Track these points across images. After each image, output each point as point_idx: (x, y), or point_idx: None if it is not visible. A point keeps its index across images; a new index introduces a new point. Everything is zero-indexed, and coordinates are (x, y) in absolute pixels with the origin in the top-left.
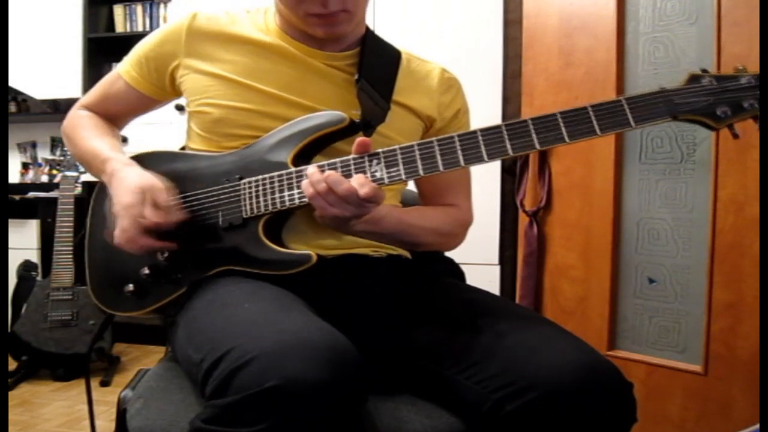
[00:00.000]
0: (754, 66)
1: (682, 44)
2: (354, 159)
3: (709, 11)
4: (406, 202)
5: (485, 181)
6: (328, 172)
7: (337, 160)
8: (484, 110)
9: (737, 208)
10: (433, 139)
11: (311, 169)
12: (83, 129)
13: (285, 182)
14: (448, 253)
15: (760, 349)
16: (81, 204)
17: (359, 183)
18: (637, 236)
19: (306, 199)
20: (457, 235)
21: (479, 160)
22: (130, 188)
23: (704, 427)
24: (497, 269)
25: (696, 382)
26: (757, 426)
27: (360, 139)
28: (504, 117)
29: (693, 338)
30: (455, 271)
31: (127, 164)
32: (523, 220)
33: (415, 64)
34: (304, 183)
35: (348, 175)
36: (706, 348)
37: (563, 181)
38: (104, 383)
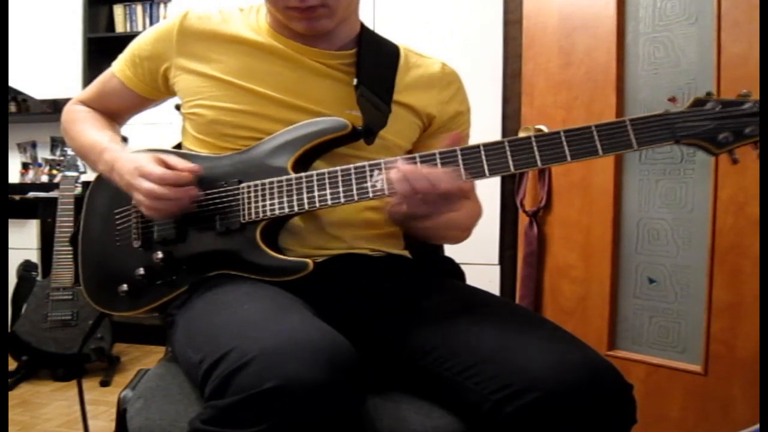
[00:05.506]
0: (754, 66)
1: (682, 44)
2: (355, 168)
3: (709, 11)
4: None
5: (485, 181)
6: (425, 169)
7: (338, 168)
8: (484, 110)
9: (737, 208)
10: (436, 151)
11: (403, 165)
12: (81, 122)
13: (285, 188)
14: (447, 253)
15: (760, 349)
16: (81, 204)
17: (450, 178)
18: (637, 236)
19: (305, 206)
20: (473, 227)
21: (481, 175)
22: (142, 157)
23: (704, 427)
24: (497, 269)
25: (696, 382)
26: (757, 426)
27: (453, 134)
28: (504, 117)
29: (693, 338)
30: (455, 270)
31: (124, 151)
32: (523, 220)
33: (413, 59)
34: (396, 175)
35: (349, 184)
36: (706, 348)
37: (563, 181)
38: (104, 383)
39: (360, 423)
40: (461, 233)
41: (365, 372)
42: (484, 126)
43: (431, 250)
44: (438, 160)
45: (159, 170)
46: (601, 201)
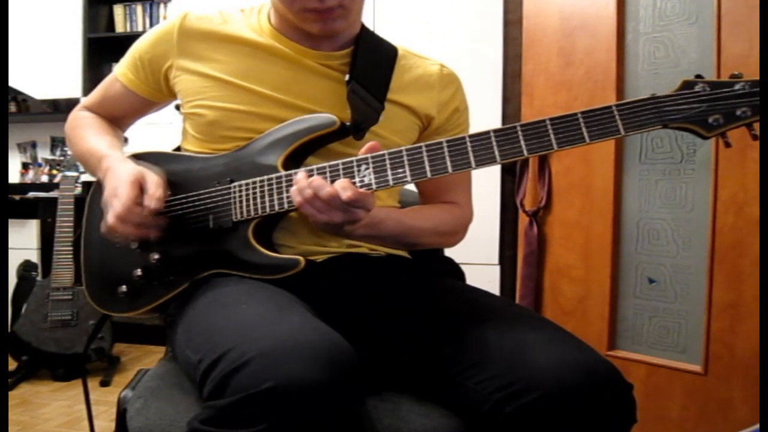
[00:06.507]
0: (754, 66)
1: (682, 44)
2: (343, 164)
3: (709, 11)
4: (407, 202)
5: (485, 181)
6: (312, 178)
7: (326, 164)
8: (484, 110)
9: (737, 208)
10: (422, 144)
11: (298, 175)
12: (83, 128)
13: (275, 186)
14: (447, 253)
15: (760, 349)
16: (81, 204)
17: (342, 187)
18: (637, 236)
19: (295, 203)
20: (457, 233)
21: (467, 166)
22: (123, 177)
23: (704, 427)
24: (497, 269)
25: (696, 382)
26: (757, 426)
27: (370, 144)
28: (504, 117)
29: (693, 338)
30: (455, 270)
31: (124, 161)
32: (523, 220)
33: (412, 60)
34: (293, 190)
35: (337, 179)
36: (706, 348)
37: (563, 181)
38: (104, 383)
39: (360, 423)
40: (440, 238)
41: (365, 372)
42: (484, 126)
43: (431, 250)
44: (424, 153)
45: (130, 198)
46: (601, 201)
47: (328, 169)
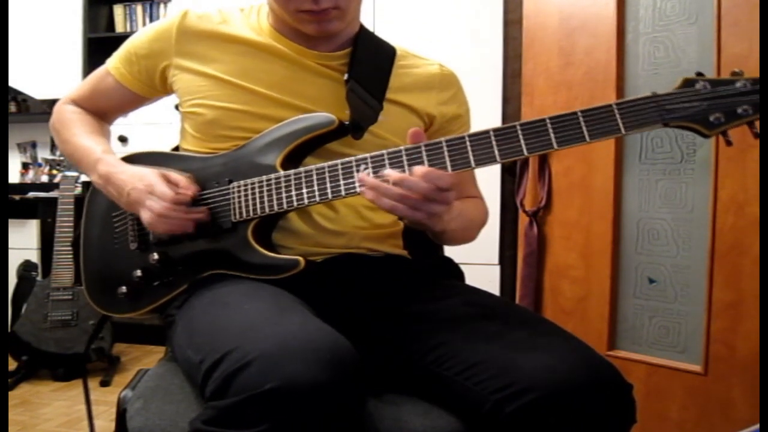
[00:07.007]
0: (754, 66)
1: (682, 44)
2: (342, 164)
3: (709, 11)
4: None
5: (485, 181)
6: (391, 174)
7: (325, 165)
8: (484, 110)
9: (737, 208)
10: (421, 144)
11: (364, 175)
12: (74, 126)
13: (273, 186)
14: (447, 253)
15: (760, 349)
16: (81, 204)
17: (436, 176)
18: (637, 236)
19: (294, 204)
20: (484, 225)
21: (466, 165)
22: (142, 174)
23: (704, 427)
24: (497, 269)
25: (696, 382)
26: (757, 426)
27: (414, 130)
28: (504, 117)
29: (693, 338)
30: (455, 271)
31: (120, 164)
32: (523, 220)
33: (411, 60)
34: (392, 190)
35: (336, 180)
36: (706, 348)
37: (563, 181)
38: (104, 383)
39: (361, 423)
40: (476, 232)
41: (365, 372)
42: (484, 126)
43: (430, 250)
44: (424, 153)
45: (171, 192)
46: (601, 201)
47: (327, 169)
